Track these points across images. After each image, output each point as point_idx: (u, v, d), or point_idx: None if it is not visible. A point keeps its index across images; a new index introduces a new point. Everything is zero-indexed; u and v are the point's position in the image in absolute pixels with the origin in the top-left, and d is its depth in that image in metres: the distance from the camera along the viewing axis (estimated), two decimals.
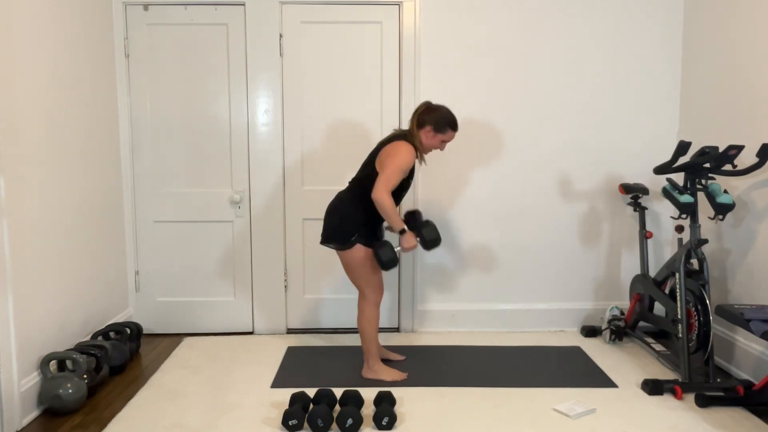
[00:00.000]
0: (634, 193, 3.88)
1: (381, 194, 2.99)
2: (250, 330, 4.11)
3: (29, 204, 2.92)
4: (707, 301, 3.19)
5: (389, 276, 4.07)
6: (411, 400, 3.04)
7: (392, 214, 3.03)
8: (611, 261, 4.14)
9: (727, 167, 3.35)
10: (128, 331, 3.59)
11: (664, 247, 4.13)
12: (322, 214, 4.02)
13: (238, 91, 3.93)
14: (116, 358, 3.37)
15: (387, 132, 3.96)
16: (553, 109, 4.00)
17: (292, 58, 3.92)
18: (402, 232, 3.10)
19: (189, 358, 3.62)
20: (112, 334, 3.56)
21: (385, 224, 3.27)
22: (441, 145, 3.22)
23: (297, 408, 2.76)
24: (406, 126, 4.06)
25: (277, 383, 3.26)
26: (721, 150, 3.22)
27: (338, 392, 3.09)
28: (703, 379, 3.16)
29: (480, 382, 3.25)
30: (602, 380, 3.29)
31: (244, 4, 3.86)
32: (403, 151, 3.07)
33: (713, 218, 3.31)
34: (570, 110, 4.00)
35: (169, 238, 4.04)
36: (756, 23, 3.28)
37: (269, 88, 3.92)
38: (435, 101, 3.92)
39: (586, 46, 3.95)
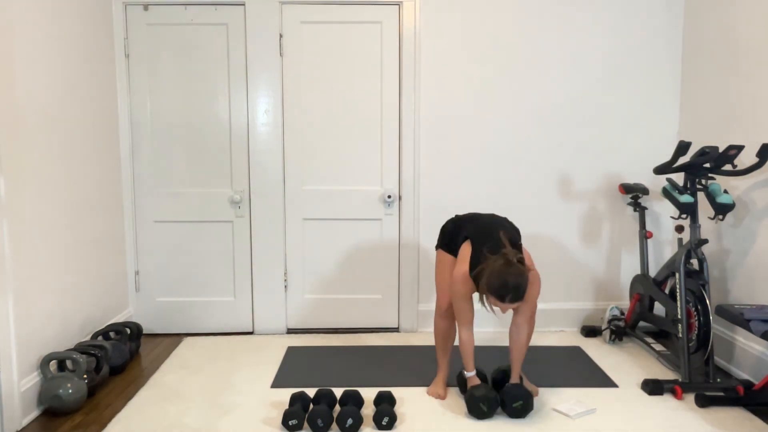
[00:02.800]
0: (634, 193, 3.88)
1: (459, 329, 2.91)
2: (250, 330, 4.11)
3: (29, 204, 2.92)
4: (707, 301, 3.19)
5: (390, 274, 4.07)
6: (411, 400, 3.04)
7: (463, 352, 2.90)
8: (611, 261, 4.14)
9: (727, 167, 3.35)
10: (128, 331, 3.59)
11: (664, 247, 4.13)
12: (322, 214, 4.04)
13: (238, 91, 3.93)
14: (116, 358, 3.37)
15: (386, 132, 3.98)
16: (553, 109, 4.00)
17: (292, 58, 3.92)
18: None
19: (189, 358, 3.62)
20: (112, 334, 3.56)
21: None
22: (497, 310, 2.74)
23: (297, 408, 2.76)
24: (407, 125, 4.05)
25: (277, 383, 3.26)
26: (721, 150, 3.22)
27: (338, 392, 3.09)
28: (703, 379, 3.16)
29: None
30: (602, 380, 3.29)
31: (244, 4, 3.86)
32: (455, 282, 2.86)
33: (713, 218, 3.31)
34: (570, 110, 4.00)
35: (169, 238, 4.04)
36: (756, 23, 3.28)
37: (269, 88, 3.92)
38: (435, 100, 3.95)
39: (587, 45, 3.95)
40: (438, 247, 3.12)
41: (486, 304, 2.74)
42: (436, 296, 3.13)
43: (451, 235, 3.04)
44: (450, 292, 2.94)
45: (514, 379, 2.97)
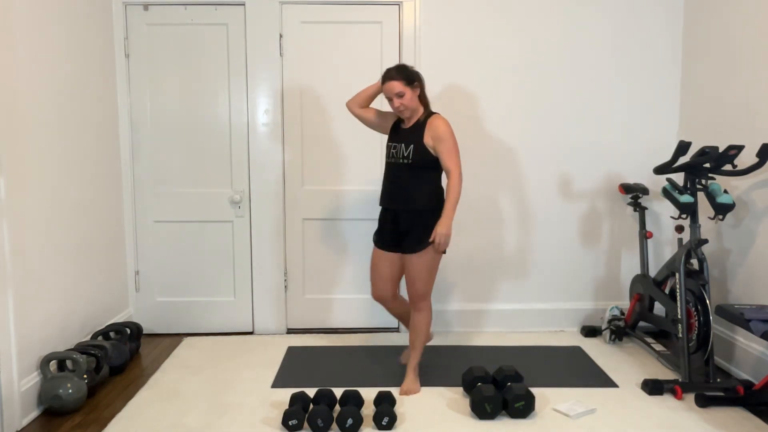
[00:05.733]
0: (634, 193, 3.88)
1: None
2: (250, 330, 4.11)
3: (29, 204, 2.92)
4: (707, 301, 3.19)
5: None
6: (411, 400, 3.04)
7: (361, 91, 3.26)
8: (611, 261, 4.14)
9: (727, 167, 3.35)
10: (128, 331, 3.59)
11: (664, 247, 4.13)
12: (322, 214, 4.03)
13: (238, 91, 3.93)
14: (116, 358, 3.37)
15: (386, 131, 3.97)
16: (554, 109, 4.00)
17: (292, 58, 3.92)
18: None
19: (189, 358, 3.62)
20: (112, 334, 3.56)
21: None
22: (391, 104, 3.04)
23: (297, 408, 2.76)
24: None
25: (277, 383, 3.26)
26: (721, 150, 3.22)
27: (338, 392, 3.09)
28: (703, 379, 3.16)
29: None
30: (602, 380, 3.29)
31: (244, 4, 3.86)
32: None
33: (713, 218, 3.31)
34: (570, 110, 4.00)
35: (169, 238, 4.04)
36: (756, 23, 3.28)
37: (269, 88, 3.92)
38: (434, 100, 3.94)
39: (587, 45, 3.95)
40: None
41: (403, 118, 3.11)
42: None
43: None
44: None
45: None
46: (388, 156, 3.14)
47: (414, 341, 3.20)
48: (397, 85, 2.96)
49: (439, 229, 2.95)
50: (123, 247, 3.98)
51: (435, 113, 3.09)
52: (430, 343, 3.86)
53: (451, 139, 2.99)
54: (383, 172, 3.20)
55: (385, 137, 3.94)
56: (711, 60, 3.67)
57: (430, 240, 2.99)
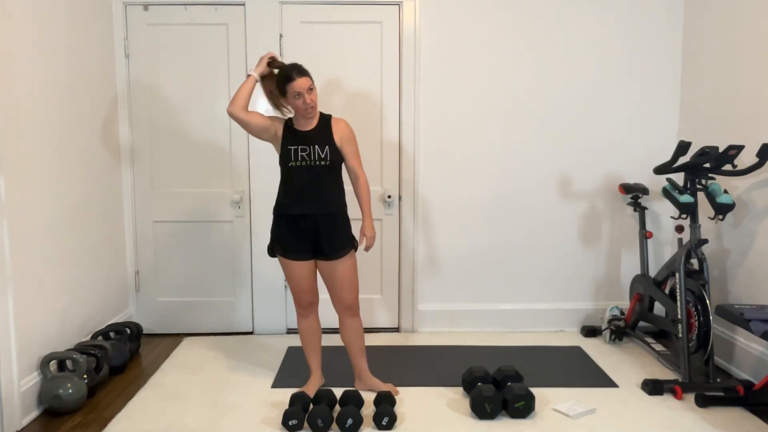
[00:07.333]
0: (634, 193, 3.88)
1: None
2: (250, 330, 4.11)
3: (29, 204, 2.92)
4: (707, 301, 3.19)
5: (390, 274, 4.08)
6: (411, 400, 3.04)
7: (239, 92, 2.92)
8: (611, 261, 4.14)
9: (727, 167, 3.35)
10: (128, 331, 3.59)
11: (664, 247, 4.13)
12: None
13: None
14: (116, 358, 3.37)
15: (387, 132, 3.98)
16: (553, 109, 4.00)
17: (292, 58, 3.90)
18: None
19: (189, 358, 3.62)
20: (112, 334, 3.56)
21: None
22: (301, 101, 2.85)
23: (297, 408, 2.76)
24: (407, 125, 4.05)
25: (277, 383, 3.26)
26: (721, 150, 3.23)
27: (338, 392, 3.09)
28: (703, 379, 3.16)
29: None
30: (602, 380, 3.29)
31: (244, 4, 3.86)
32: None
33: (713, 218, 3.31)
34: (570, 110, 4.00)
35: (169, 238, 4.04)
36: (756, 24, 3.28)
37: None
38: (435, 101, 3.96)
39: (587, 45, 3.95)
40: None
41: (287, 106, 2.97)
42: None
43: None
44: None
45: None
46: (294, 159, 2.91)
47: (362, 346, 3.16)
48: (308, 81, 2.85)
49: (368, 233, 2.99)
50: (123, 247, 3.98)
51: (330, 114, 3.07)
52: (430, 344, 3.86)
53: (356, 140, 3.03)
54: (284, 177, 2.97)
55: (391, 137, 3.97)
56: (711, 59, 3.67)
57: (360, 243, 3.00)
